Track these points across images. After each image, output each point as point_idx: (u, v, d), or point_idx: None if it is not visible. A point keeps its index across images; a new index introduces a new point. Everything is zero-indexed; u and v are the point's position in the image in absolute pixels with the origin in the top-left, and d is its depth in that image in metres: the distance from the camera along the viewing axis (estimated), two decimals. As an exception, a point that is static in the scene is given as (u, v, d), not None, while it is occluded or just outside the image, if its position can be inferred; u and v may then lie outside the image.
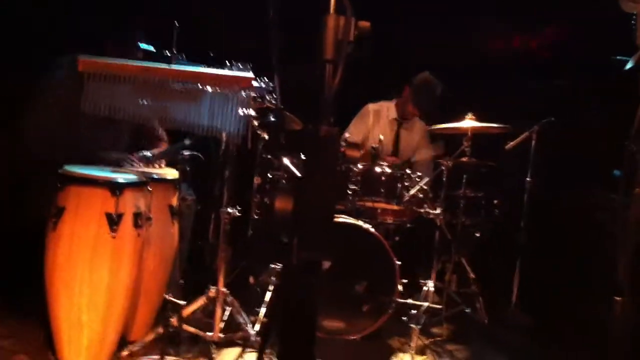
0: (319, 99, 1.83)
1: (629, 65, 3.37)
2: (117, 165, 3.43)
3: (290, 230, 1.81)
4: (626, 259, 2.74)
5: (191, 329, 3.29)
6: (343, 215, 4.12)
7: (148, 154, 3.37)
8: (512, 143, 4.60)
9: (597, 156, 4.66)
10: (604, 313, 2.97)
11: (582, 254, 4.68)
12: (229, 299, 3.39)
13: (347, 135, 4.62)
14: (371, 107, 5.17)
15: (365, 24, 1.88)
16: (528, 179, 4.59)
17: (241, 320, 3.41)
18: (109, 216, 2.97)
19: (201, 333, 3.32)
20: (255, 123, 3.55)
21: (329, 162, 1.85)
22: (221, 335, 3.34)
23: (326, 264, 1.78)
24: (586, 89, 5.09)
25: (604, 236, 3.92)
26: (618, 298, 2.84)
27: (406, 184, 4.27)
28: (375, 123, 5.12)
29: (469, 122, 4.41)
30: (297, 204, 1.81)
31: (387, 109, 5.16)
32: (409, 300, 4.04)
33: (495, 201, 4.61)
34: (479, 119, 4.42)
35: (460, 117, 4.46)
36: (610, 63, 4.42)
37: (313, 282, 1.83)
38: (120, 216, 2.99)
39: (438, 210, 4.29)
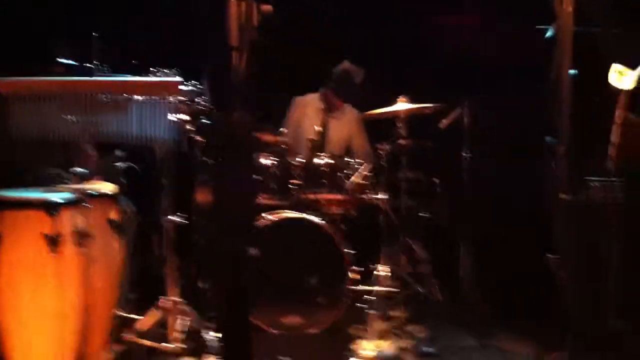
0: (227, 86, 1.82)
1: (549, 34, 3.47)
2: (53, 182, 3.34)
3: (213, 221, 1.79)
4: (559, 217, 2.80)
5: (147, 343, 3.23)
6: (288, 210, 4.11)
7: (82, 170, 3.29)
8: (445, 121, 4.66)
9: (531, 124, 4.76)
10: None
11: (523, 219, 4.77)
12: (182, 307, 3.34)
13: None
14: (297, 100, 5.15)
15: (267, 7, 1.86)
16: (464, 154, 4.67)
17: (197, 326, 3.36)
18: (47, 237, 2.88)
19: (158, 345, 3.26)
20: (189, 127, 3.51)
21: (244, 148, 1.85)
22: (179, 344, 3.28)
23: (253, 251, 1.76)
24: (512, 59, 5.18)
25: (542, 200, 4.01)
26: (552, 256, 2.91)
27: (347, 172, 4.29)
28: (303, 115, 5.09)
29: (401, 105, 4.45)
30: (217, 194, 1.79)
31: (313, 100, 5.14)
32: (363, 287, 4.06)
33: (436, 180, 4.68)
34: (411, 101, 4.47)
35: (392, 100, 4.49)
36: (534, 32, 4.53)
37: (242, 269, 1.81)
38: (59, 236, 2.91)
39: (381, 195, 4.32)
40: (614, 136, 3.19)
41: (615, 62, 3.28)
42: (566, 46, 3.02)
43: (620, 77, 3.20)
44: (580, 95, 3.17)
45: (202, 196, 3.41)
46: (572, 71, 3.16)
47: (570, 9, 3.15)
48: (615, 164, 3.18)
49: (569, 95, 3.14)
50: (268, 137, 4.23)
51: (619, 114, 3.19)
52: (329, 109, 5.09)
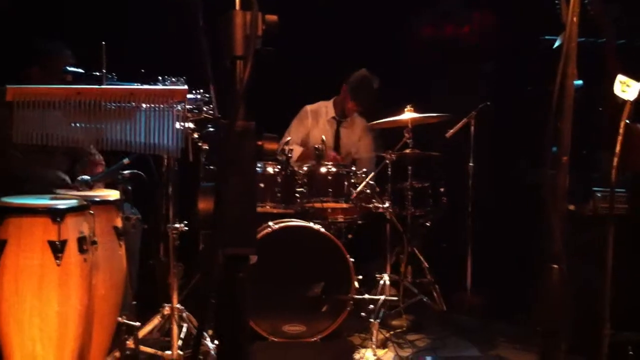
0: (230, 95, 1.82)
1: (557, 43, 3.45)
2: (55, 186, 3.37)
3: (215, 230, 1.79)
4: (559, 227, 2.78)
5: (149, 350, 3.25)
6: (293, 219, 4.13)
7: (87, 177, 3.32)
8: (451, 131, 4.66)
9: (536, 135, 4.74)
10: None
11: (529, 230, 4.75)
12: (185, 315, 3.36)
13: (287, 138, 4.63)
14: (309, 108, 5.17)
15: (272, 17, 1.87)
16: (471, 164, 4.66)
17: (199, 334, 3.36)
18: (52, 244, 2.90)
19: (159, 353, 3.28)
20: (195, 135, 3.54)
21: (247, 156, 1.85)
22: (180, 352, 3.29)
23: (253, 259, 1.77)
24: (517, 70, 5.18)
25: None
26: (555, 265, 2.88)
27: (352, 180, 4.30)
28: (314, 124, 5.13)
29: (408, 114, 4.45)
30: (218, 202, 1.79)
31: (326, 108, 5.17)
32: (366, 296, 4.06)
33: (442, 189, 4.67)
34: (418, 110, 4.46)
35: (399, 110, 4.50)
36: (539, 43, 4.53)
37: (241, 277, 1.81)
38: (64, 243, 2.93)
39: (387, 204, 4.32)
40: (618, 147, 3.18)
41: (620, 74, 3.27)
42: (571, 56, 3.01)
43: (625, 88, 3.18)
44: (587, 106, 3.16)
45: (204, 204, 3.40)
46: (577, 82, 3.15)
47: (576, 19, 3.13)
48: (617, 174, 3.16)
49: (571, 106, 3.11)
50: (272, 146, 4.22)
51: (623, 125, 3.17)
52: (341, 117, 5.12)
